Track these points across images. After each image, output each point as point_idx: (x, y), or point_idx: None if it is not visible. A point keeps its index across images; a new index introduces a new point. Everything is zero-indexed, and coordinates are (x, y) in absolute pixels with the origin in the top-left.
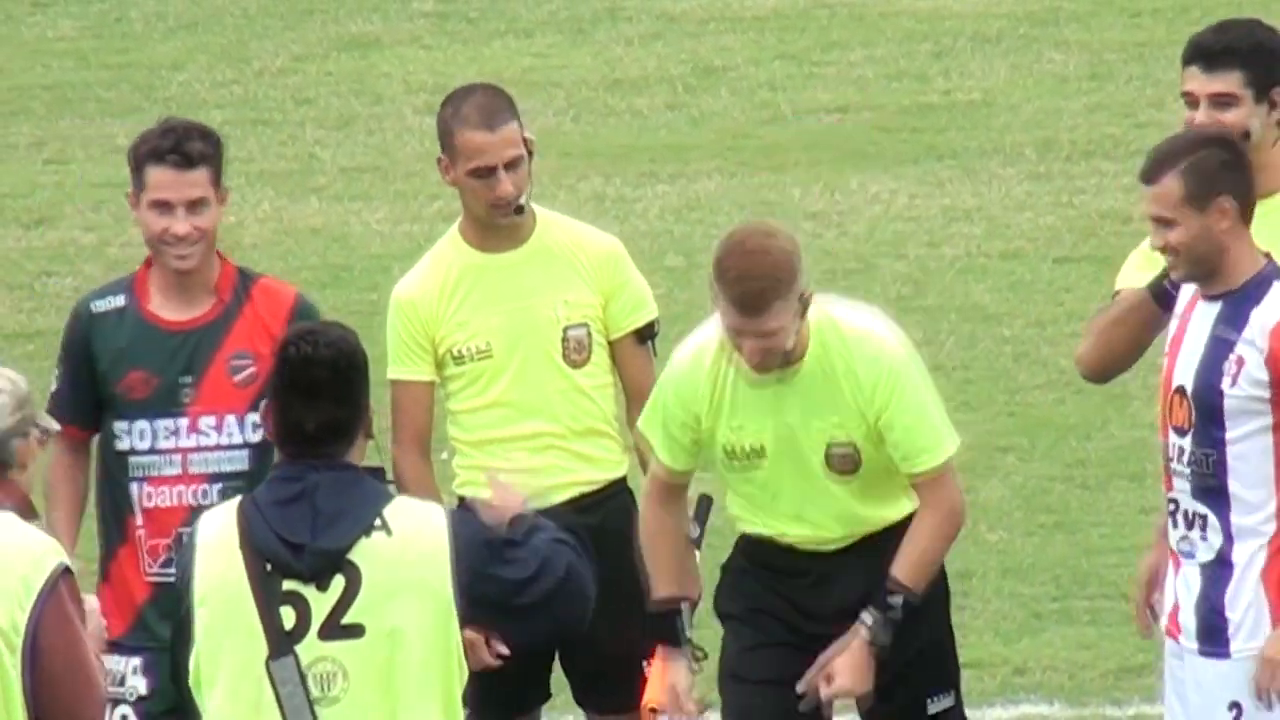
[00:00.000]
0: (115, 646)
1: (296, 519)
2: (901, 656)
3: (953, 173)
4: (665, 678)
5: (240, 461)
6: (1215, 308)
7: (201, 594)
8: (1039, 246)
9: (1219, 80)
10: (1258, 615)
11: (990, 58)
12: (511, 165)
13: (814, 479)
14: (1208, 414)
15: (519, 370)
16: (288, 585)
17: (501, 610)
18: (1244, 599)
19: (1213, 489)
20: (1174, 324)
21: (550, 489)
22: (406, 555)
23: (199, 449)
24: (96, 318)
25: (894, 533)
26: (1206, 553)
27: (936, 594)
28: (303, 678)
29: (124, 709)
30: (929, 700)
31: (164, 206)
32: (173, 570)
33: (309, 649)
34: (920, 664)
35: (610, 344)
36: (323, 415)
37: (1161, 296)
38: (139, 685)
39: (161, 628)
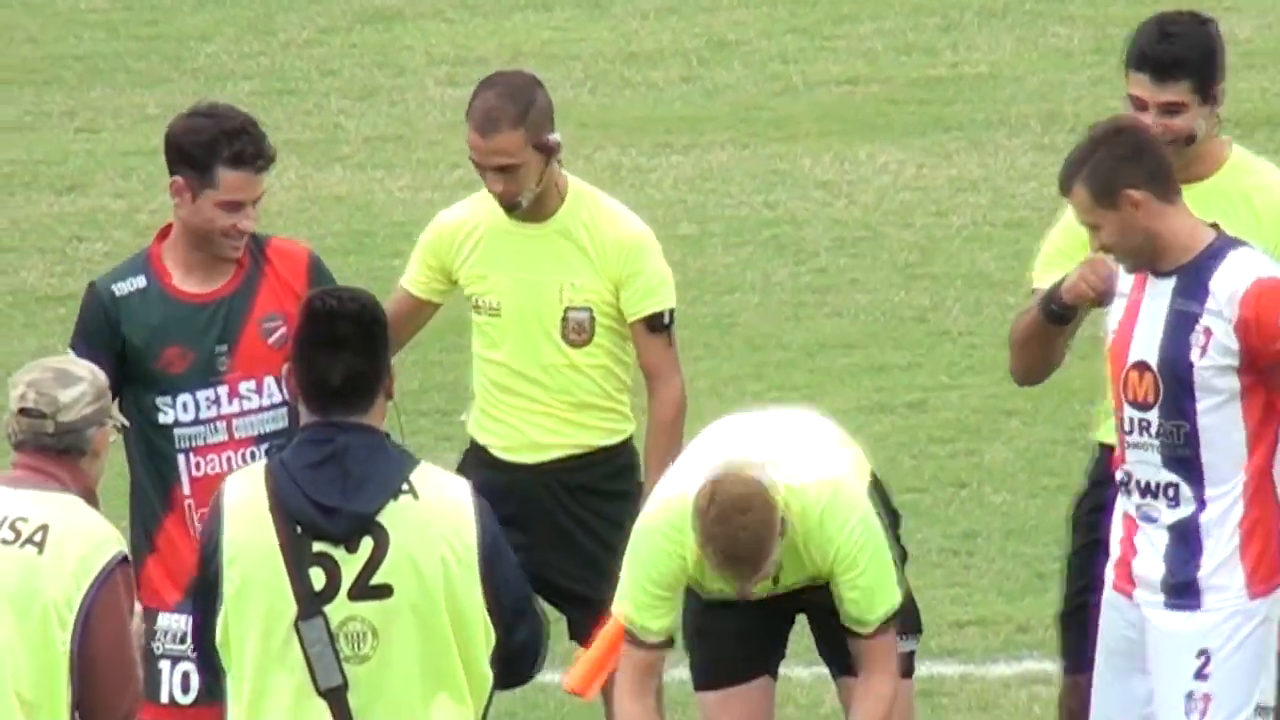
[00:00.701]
0: (176, 607)
1: (326, 482)
2: None
3: (959, 144)
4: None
5: (282, 419)
6: (1169, 283)
7: (230, 555)
8: (1043, 216)
9: (1169, 91)
10: (1230, 571)
11: (996, 32)
12: (503, 170)
13: None
14: (1177, 387)
15: (519, 337)
16: (318, 547)
17: (496, 610)
18: (1217, 557)
19: (1184, 459)
20: (1119, 302)
21: (536, 447)
22: (433, 519)
23: (242, 413)
24: (120, 300)
25: None
26: (1174, 516)
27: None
28: (332, 638)
29: (185, 665)
30: (899, 640)
31: (235, 206)
32: None
33: (339, 609)
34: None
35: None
36: (349, 368)
37: (1055, 318)
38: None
39: None
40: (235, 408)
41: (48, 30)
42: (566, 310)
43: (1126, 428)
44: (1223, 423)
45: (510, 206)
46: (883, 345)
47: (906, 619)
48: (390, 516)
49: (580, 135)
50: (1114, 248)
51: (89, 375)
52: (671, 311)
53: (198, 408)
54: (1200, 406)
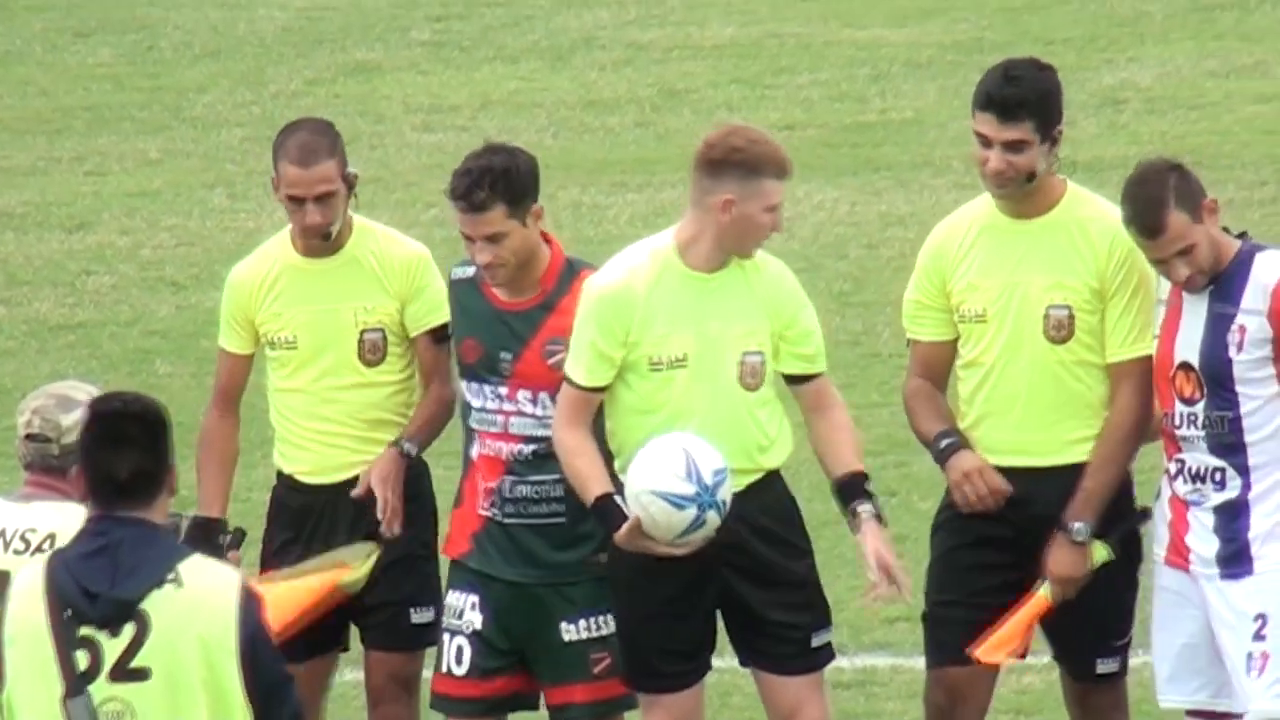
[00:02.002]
0: (454, 576)
1: (97, 570)
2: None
3: (888, 183)
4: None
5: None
6: (1206, 291)
7: (10, 635)
8: None
9: (1012, 130)
10: (1277, 540)
11: (921, 81)
12: (321, 199)
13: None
14: (1218, 382)
15: (318, 363)
16: (84, 631)
17: (256, 694)
18: (1263, 528)
19: (1231, 445)
20: (1162, 310)
21: (338, 467)
22: (195, 607)
23: (525, 414)
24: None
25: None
26: (1221, 497)
27: (806, 548)
28: (94, 715)
29: (460, 640)
30: (813, 635)
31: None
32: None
33: (100, 689)
34: (805, 607)
35: (412, 340)
36: (134, 464)
37: (941, 461)
38: (474, 620)
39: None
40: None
41: (59, 83)
42: (362, 333)
43: (1176, 423)
44: (1263, 409)
45: (324, 236)
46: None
47: (820, 613)
48: (153, 603)
49: (544, 176)
50: (1201, 265)
51: (87, 399)
52: (447, 324)
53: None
54: (1241, 397)
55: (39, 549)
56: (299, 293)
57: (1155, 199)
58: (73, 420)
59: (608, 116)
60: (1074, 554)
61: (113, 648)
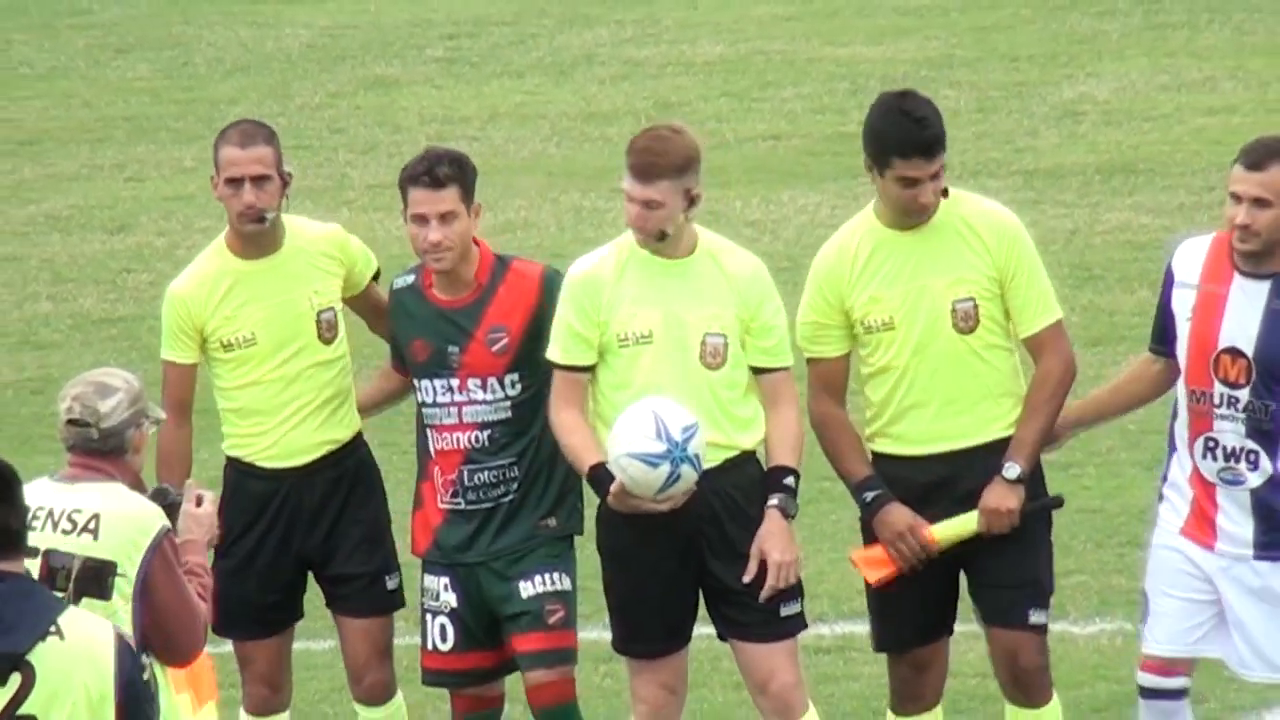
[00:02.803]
0: (426, 566)
1: None
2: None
3: (866, 189)
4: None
5: (503, 409)
6: (1265, 285)
7: None
8: None
9: (936, 163)
10: None
11: None
12: (257, 181)
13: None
14: (1272, 372)
15: (282, 353)
16: None
17: None
18: None
19: (1267, 431)
20: (1195, 295)
21: (303, 450)
22: (77, 657)
23: (476, 402)
24: None
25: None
26: (1257, 479)
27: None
28: None
29: (441, 619)
30: (781, 605)
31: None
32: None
33: None
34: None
35: (357, 301)
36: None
37: (866, 512)
38: (450, 599)
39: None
40: (464, 398)
41: (101, 96)
42: (319, 314)
43: (1216, 402)
44: None
45: (259, 220)
46: (803, 357)
47: (798, 587)
48: (39, 655)
49: (548, 182)
50: (1261, 227)
51: (124, 385)
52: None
53: (435, 393)
54: None
55: (85, 529)
56: (251, 293)
57: (1273, 148)
58: (110, 405)
59: (606, 127)
60: (1004, 489)
61: (1, 697)
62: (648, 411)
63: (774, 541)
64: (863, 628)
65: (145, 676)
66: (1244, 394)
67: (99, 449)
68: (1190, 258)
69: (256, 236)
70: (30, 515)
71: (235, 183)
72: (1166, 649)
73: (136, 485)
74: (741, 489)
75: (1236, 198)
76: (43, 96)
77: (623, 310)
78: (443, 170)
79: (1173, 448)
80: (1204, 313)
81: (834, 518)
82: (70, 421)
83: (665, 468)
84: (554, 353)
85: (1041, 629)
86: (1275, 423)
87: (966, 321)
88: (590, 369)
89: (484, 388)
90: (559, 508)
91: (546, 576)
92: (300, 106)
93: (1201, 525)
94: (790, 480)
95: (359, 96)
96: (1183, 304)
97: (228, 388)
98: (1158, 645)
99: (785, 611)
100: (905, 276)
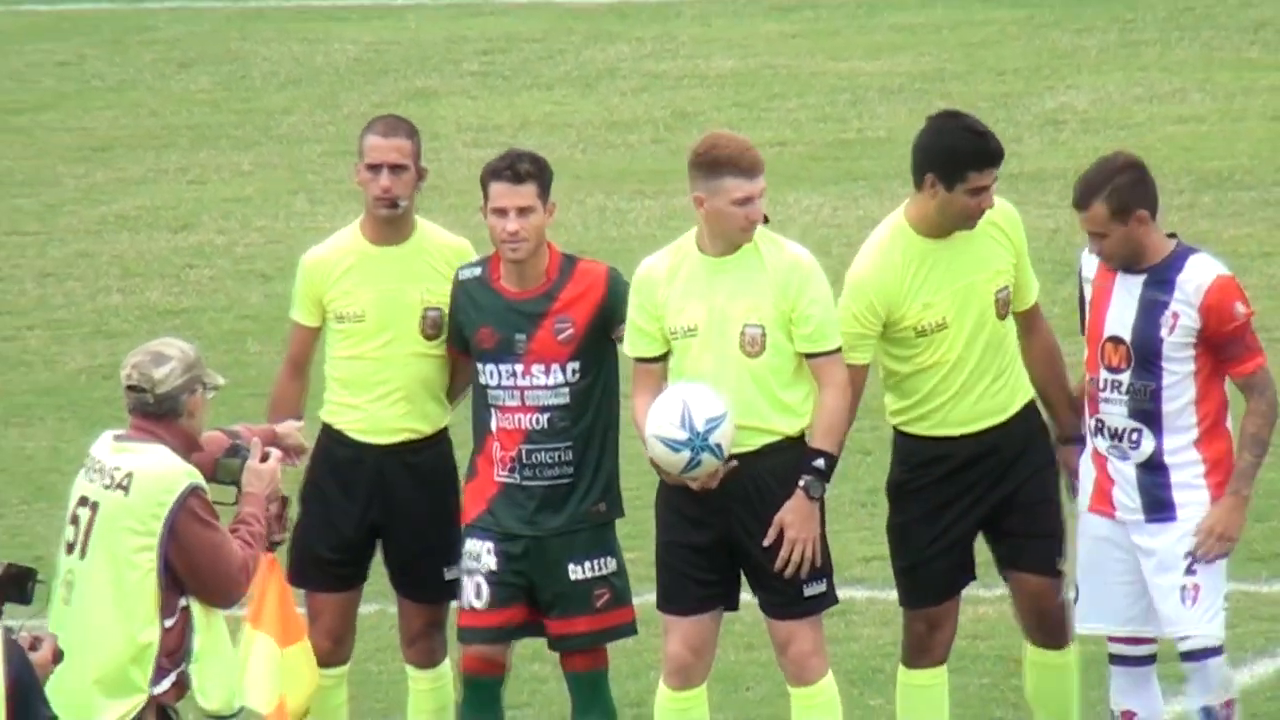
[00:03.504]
0: (471, 530)
1: None
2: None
3: (865, 191)
4: None
5: (564, 395)
6: (1140, 278)
7: None
8: None
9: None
10: (1196, 491)
11: (893, 105)
12: (395, 169)
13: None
14: (1147, 355)
15: (383, 335)
16: None
17: None
18: (1182, 480)
19: (1147, 411)
20: (1088, 289)
21: (389, 430)
22: None
23: (539, 386)
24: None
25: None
26: (1139, 455)
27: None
28: None
29: (478, 579)
30: (805, 586)
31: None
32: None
33: None
34: (798, 562)
35: None
36: None
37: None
38: (490, 562)
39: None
40: (527, 382)
41: (165, 106)
42: (425, 310)
43: (1101, 386)
44: (1179, 383)
45: (393, 205)
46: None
47: (826, 564)
48: None
49: (574, 185)
50: (1110, 253)
51: (179, 354)
52: None
53: (500, 376)
54: (1165, 373)
55: (119, 485)
56: (368, 275)
57: (1093, 184)
58: (164, 373)
59: (628, 135)
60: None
61: None
62: (677, 399)
63: (792, 518)
64: (863, 592)
65: (36, 675)
66: (1125, 377)
67: (155, 412)
68: (1090, 256)
69: (387, 223)
70: (94, 466)
71: (375, 169)
72: (1102, 621)
73: (190, 447)
74: (777, 475)
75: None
76: (113, 107)
77: (673, 306)
78: (523, 167)
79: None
80: (1095, 305)
81: (836, 493)
82: (129, 387)
83: (685, 454)
84: (626, 347)
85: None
86: (1154, 402)
87: (1004, 308)
88: (659, 359)
89: (547, 373)
90: (608, 494)
91: (596, 561)
92: (347, 115)
93: (1104, 497)
94: (820, 462)
95: (401, 106)
96: (1085, 299)
97: (334, 356)
98: (1091, 618)
99: (809, 592)
100: (952, 278)
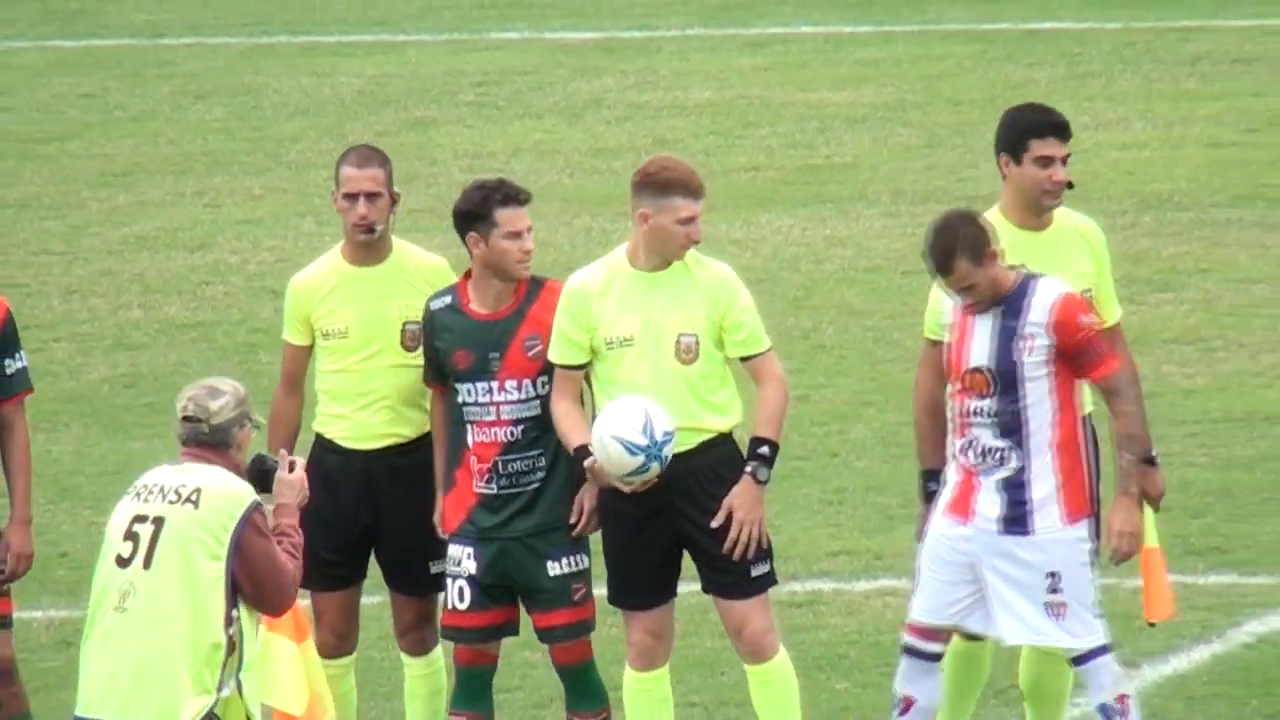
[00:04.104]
0: (453, 537)
1: None
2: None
3: (831, 212)
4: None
5: (534, 406)
6: (994, 310)
7: None
8: (892, 263)
9: (1068, 146)
10: (1050, 505)
11: (858, 133)
12: (370, 197)
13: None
14: (1010, 380)
15: (366, 349)
16: None
17: None
18: (1039, 495)
19: (1012, 430)
20: (954, 325)
21: (374, 436)
22: None
23: (511, 400)
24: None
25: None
26: (1005, 471)
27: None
28: None
29: (460, 582)
30: (751, 567)
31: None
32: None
33: None
34: (743, 545)
35: None
36: None
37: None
38: (470, 566)
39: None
40: (502, 398)
41: (183, 135)
42: (404, 324)
43: (971, 412)
44: (1039, 401)
45: (369, 231)
46: (778, 357)
47: (759, 548)
48: None
49: (562, 207)
50: (982, 298)
51: (231, 390)
52: None
53: (477, 393)
54: (1025, 392)
55: (188, 499)
56: (350, 294)
57: (946, 247)
58: (218, 405)
59: (612, 161)
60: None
61: None
62: (640, 407)
63: (740, 501)
64: (829, 584)
65: None
66: (992, 403)
67: (208, 441)
68: (946, 301)
69: (365, 246)
70: (147, 490)
71: (351, 197)
72: (928, 618)
73: (237, 473)
74: (713, 467)
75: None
76: (134, 135)
77: (607, 318)
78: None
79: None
80: (956, 339)
81: (804, 492)
82: (185, 418)
83: (640, 459)
84: (551, 353)
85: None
86: (1019, 421)
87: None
88: (582, 367)
89: (519, 388)
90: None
91: (571, 559)
92: (353, 143)
93: (963, 504)
94: (765, 450)
95: (402, 135)
96: (948, 333)
97: (322, 371)
98: (921, 614)
99: (755, 572)
100: (1038, 267)
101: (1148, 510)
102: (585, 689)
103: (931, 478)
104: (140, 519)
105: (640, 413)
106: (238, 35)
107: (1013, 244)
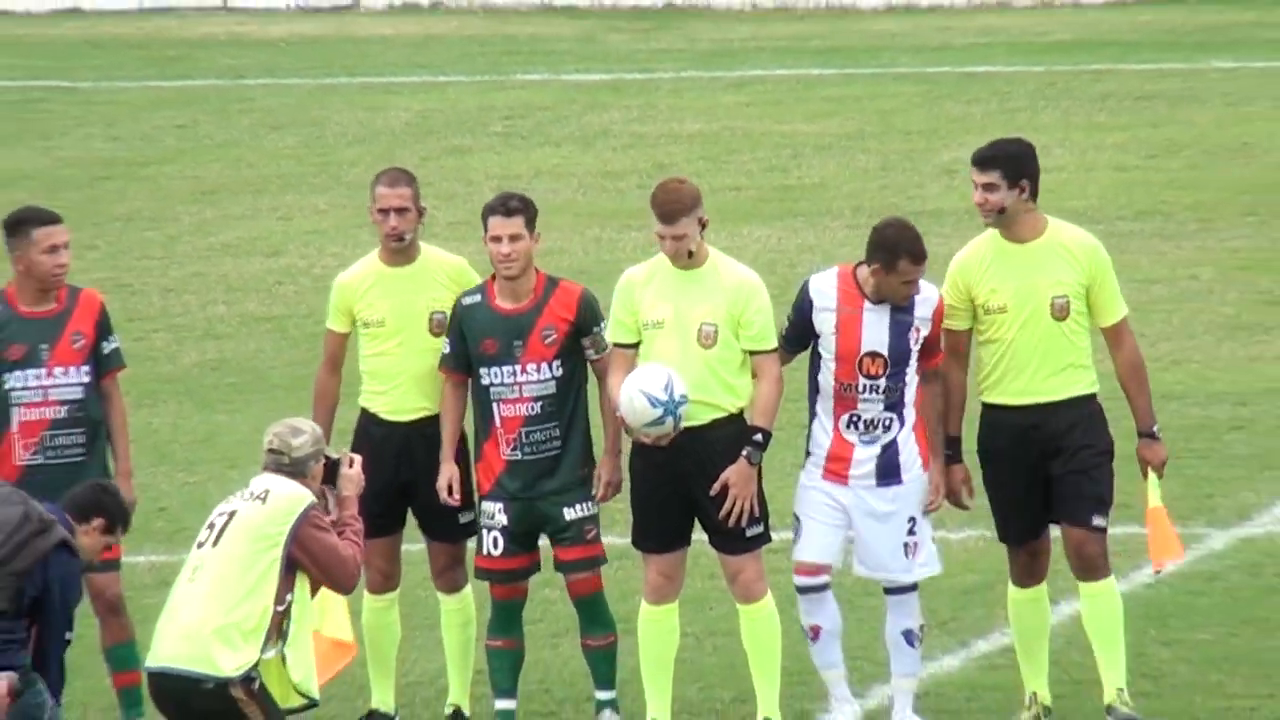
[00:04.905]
0: (486, 497)
1: None
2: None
3: (802, 225)
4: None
5: (550, 385)
6: (887, 308)
7: None
8: None
9: (987, 175)
10: (912, 459)
11: (824, 159)
12: (400, 211)
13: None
14: (901, 363)
15: (399, 335)
16: None
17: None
18: (907, 453)
19: (896, 403)
20: (836, 316)
21: (409, 409)
22: None
23: (532, 381)
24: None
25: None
26: (887, 437)
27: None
28: None
29: (495, 533)
30: (747, 529)
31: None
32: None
33: None
34: (739, 511)
35: None
36: None
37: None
38: (502, 520)
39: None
40: (524, 377)
41: (261, 160)
42: (432, 314)
43: (862, 389)
44: (911, 381)
45: (399, 238)
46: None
47: (763, 511)
48: None
49: (576, 220)
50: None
51: (310, 430)
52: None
53: (502, 375)
54: (909, 372)
55: (258, 498)
56: (385, 290)
57: (908, 239)
58: (299, 442)
59: (618, 182)
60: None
61: None
62: (663, 371)
63: (735, 478)
64: None
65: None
66: (883, 381)
67: (288, 471)
68: (824, 288)
69: (397, 251)
70: (237, 493)
71: (384, 212)
72: (812, 558)
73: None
74: (723, 442)
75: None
76: (219, 160)
77: (647, 304)
78: (513, 204)
79: (814, 416)
80: (845, 330)
81: (780, 457)
82: (270, 450)
83: (658, 411)
84: (609, 335)
85: (1102, 529)
86: (901, 396)
87: (1060, 312)
88: (633, 346)
89: (538, 370)
90: (587, 458)
91: (584, 505)
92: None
93: (840, 467)
94: (759, 437)
95: (442, 160)
96: (825, 322)
97: (364, 355)
98: (807, 554)
99: (750, 533)
100: (1015, 276)
101: (1152, 475)
102: (596, 616)
103: (951, 444)
104: (222, 513)
105: (664, 374)
106: (306, 77)
107: (1001, 254)
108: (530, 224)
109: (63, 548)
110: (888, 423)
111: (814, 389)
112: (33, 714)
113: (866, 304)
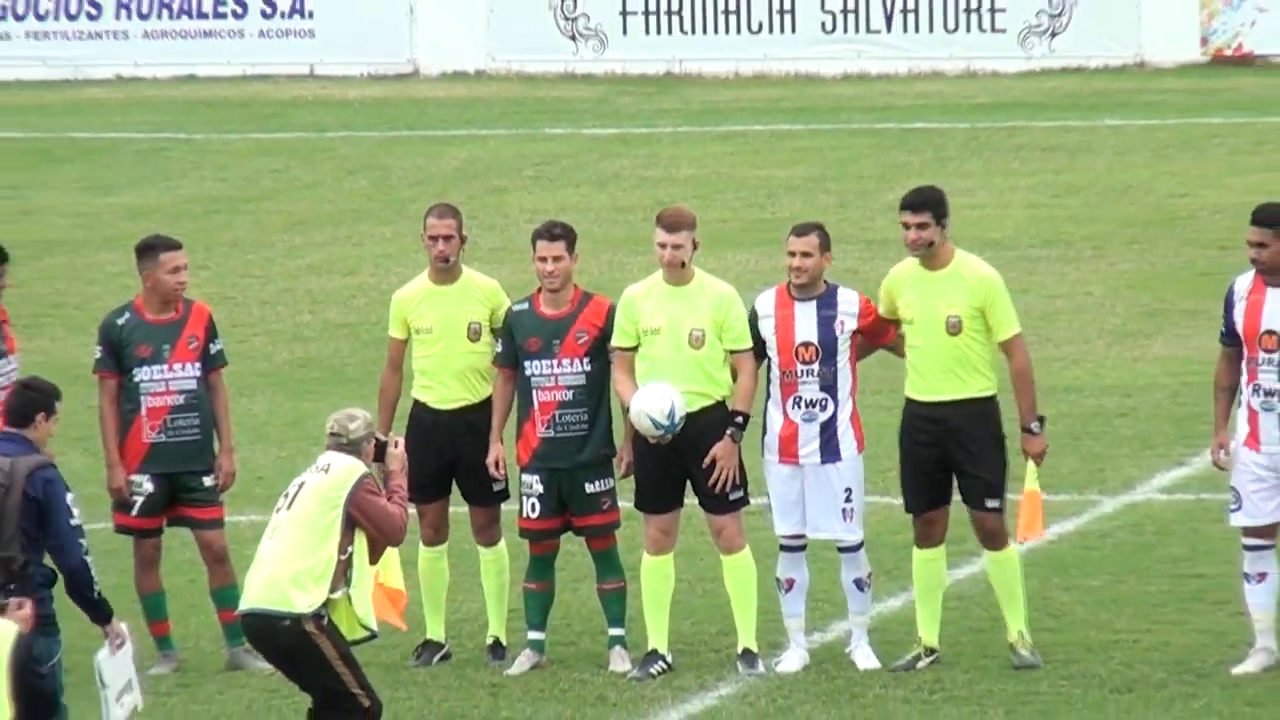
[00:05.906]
0: (525, 469)
1: None
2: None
3: (777, 251)
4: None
5: (581, 378)
6: (813, 302)
7: None
8: None
9: (920, 216)
10: (849, 437)
11: (793, 197)
12: (447, 238)
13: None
14: (831, 350)
15: (443, 341)
16: None
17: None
18: (844, 431)
19: (830, 385)
20: (774, 319)
21: (453, 400)
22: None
23: (566, 373)
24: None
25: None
26: (825, 416)
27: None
28: None
29: (532, 499)
30: (730, 494)
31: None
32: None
33: None
34: (726, 477)
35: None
36: None
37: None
38: (538, 489)
39: (549, 460)
40: (561, 369)
41: (339, 197)
42: (469, 324)
43: (799, 374)
44: (844, 365)
45: (445, 260)
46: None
47: (743, 479)
48: None
49: (593, 247)
50: (809, 272)
51: (363, 416)
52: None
53: (539, 368)
54: (839, 358)
55: (322, 470)
56: (433, 304)
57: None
58: (354, 426)
59: (627, 215)
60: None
61: None
62: (668, 397)
63: (721, 452)
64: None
65: (46, 667)
66: (816, 366)
67: (346, 449)
68: (765, 301)
69: (443, 272)
70: (308, 469)
71: (434, 239)
72: (785, 529)
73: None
74: (710, 424)
75: (793, 254)
76: (306, 198)
77: (645, 314)
78: (557, 230)
79: (768, 399)
80: (783, 327)
81: (757, 435)
82: (331, 433)
83: (660, 431)
84: (613, 340)
85: (997, 509)
86: (833, 378)
87: (953, 329)
88: (631, 349)
89: (572, 364)
90: (609, 441)
91: (602, 481)
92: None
93: (790, 450)
94: (740, 419)
95: (484, 199)
96: (766, 326)
97: (416, 357)
98: (780, 528)
99: (733, 497)
100: (919, 298)
101: (1030, 463)
102: (609, 565)
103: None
104: (296, 484)
105: (669, 401)
106: (375, 130)
107: (916, 277)
108: (570, 247)
109: (31, 479)
110: (824, 403)
111: (768, 381)
112: (43, 658)
113: (796, 305)
